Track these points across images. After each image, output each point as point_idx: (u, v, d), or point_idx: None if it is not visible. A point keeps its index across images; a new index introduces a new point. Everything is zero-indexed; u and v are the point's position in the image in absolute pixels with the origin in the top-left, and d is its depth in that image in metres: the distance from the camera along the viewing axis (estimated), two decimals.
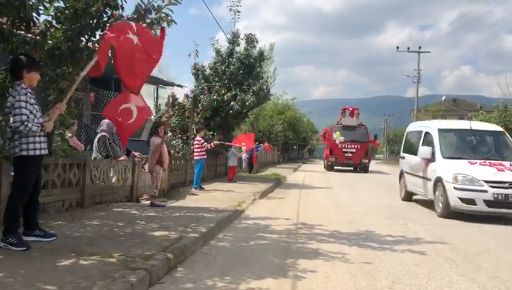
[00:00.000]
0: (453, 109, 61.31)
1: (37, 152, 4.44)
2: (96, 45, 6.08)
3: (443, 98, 59.45)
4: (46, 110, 5.00)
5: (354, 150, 27.89)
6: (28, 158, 4.40)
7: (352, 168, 29.26)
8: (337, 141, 27.76)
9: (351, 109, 30.37)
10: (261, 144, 24.79)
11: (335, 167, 29.05)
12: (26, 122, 4.26)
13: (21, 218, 4.56)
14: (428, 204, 10.10)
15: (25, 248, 4.26)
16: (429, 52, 49.44)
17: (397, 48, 47.40)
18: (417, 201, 11.15)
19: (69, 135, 7.63)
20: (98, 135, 8.54)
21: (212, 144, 12.87)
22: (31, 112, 4.35)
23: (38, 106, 4.56)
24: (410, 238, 6.41)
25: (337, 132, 28.32)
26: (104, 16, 6.08)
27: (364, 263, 4.85)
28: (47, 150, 4.68)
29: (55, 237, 4.73)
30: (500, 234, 7.29)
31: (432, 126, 10.50)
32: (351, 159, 27.88)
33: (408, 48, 47.35)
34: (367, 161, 28.18)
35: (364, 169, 28.15)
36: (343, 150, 27.83)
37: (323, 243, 5.84)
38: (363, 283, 4.17)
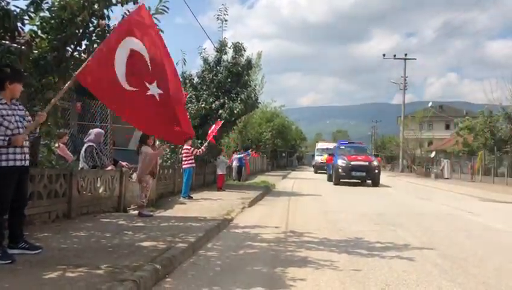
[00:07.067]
0: (439, 115, 62.01)
1: (10, 163, 4.32)
2: (82, 54, 6.05)
3: (429, 104, 60.13)
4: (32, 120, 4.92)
5: None
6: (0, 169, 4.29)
7: None
8: None
9: None
10: (248, 151, 24.47)
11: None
12: None
13: (6, 230, 4.49)
14: (418, 214, 9.94)
15: (9, 261, 4.18)
16: (415, 59, 50.22)
17: (383, 55, 48.04)
18: (407, 208, 11.22)
19: (56, 145, 7.54)
20: (85, 145, 8.46)
21: (203, 147, 12.77)
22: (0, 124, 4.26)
23: (19, 117, 4.43)
24: (399, 244, 6.44)
25: None
26: (90, 25, 6.05)
27: (354, 270, 4.85)
28: (25, 161, 4.49)
29: (41, 250, 4.65)
30: (487, 239, 7.36)
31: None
32: None
33: (394, 56, 47.98)
34: None
35: None
36: None
37: (312, 251, 5.83)
38: None
